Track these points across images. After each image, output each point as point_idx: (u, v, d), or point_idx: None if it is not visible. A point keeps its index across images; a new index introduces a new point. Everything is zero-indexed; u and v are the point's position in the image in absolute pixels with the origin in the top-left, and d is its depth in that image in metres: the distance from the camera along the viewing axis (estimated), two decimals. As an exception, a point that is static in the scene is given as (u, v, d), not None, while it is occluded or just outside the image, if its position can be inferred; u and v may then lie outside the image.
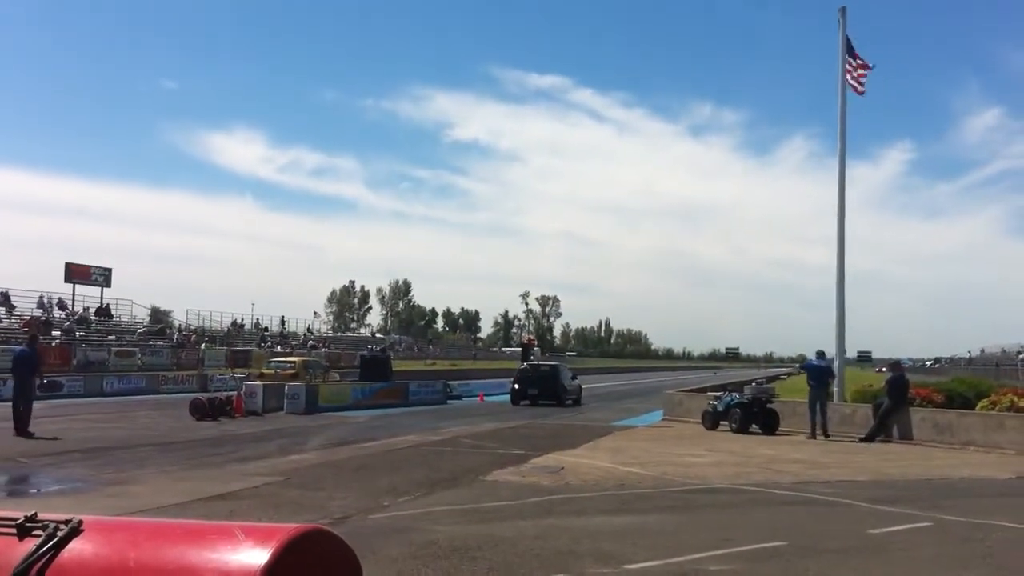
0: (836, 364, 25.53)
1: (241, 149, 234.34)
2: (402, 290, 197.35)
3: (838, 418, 23.13)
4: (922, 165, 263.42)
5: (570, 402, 38.55)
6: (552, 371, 40.00)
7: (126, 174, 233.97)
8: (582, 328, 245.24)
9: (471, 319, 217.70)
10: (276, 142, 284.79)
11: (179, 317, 73.21)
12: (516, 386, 38.45)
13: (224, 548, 1.47)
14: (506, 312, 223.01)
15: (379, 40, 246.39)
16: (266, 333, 74.10)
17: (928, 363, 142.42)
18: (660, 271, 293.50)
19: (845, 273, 25.37)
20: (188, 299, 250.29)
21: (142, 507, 10.93)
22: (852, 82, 25.16)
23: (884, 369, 23.80)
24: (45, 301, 54.89)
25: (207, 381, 44.01)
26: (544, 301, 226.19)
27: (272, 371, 38.19)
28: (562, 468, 15.53)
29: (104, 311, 59.68)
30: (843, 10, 25.38)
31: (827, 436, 22.03)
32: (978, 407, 21.48)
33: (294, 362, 40.06)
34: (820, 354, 24.75)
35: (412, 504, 11.61)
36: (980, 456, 18.58)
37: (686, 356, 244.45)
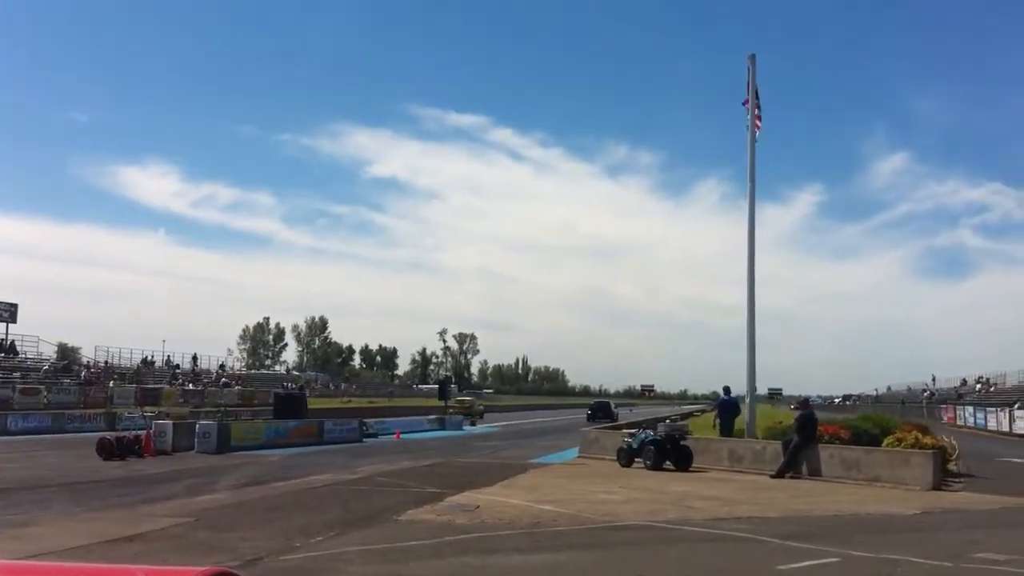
0: (747, 401, 26.27)
1: (154, 183, 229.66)
2: (318, 327, 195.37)
3: (750, 455, 23.53)
4: (831, 207, 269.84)
5: (616, 419, 58.12)
6: (607, 404, 74.19)
7: (34, 208, 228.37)
8: (499, 365, 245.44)
9: (388, 356, 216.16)
10: (191, 176, 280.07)
11: (87, 354, 71.40)
12: (589, 412, 68.48)
13: (128, 592, 1.48)
14: (424, 349, 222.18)
15: (298, 76, 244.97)
16: (177, 370, 72.59)
17: (837, 400, 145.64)
18: (577, 309, 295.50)
19: (756, 312, 25.88)
20: (97, 336, 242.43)
21: (45, 550, 10.63)
22: (758, 125, 25.84)
23: (795, 407, 24.48)
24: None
25: (115, 420, 42.91)
26: (462, 339, 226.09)
27: (457, 404, 69.56)
28: (477, 506, 15.50)
29: (8, 348, 57.91)
30: (752, 57, 26.11)
31: None
32: (884, 444, 21.99)
33: (468, 400, 76.38)
34: (727, 390, 28.74)
35: (325, 544, 11.48)
36: (887, 492, 19.02)
37: (603, 393, 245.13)
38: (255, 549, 11.02)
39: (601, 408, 70.48)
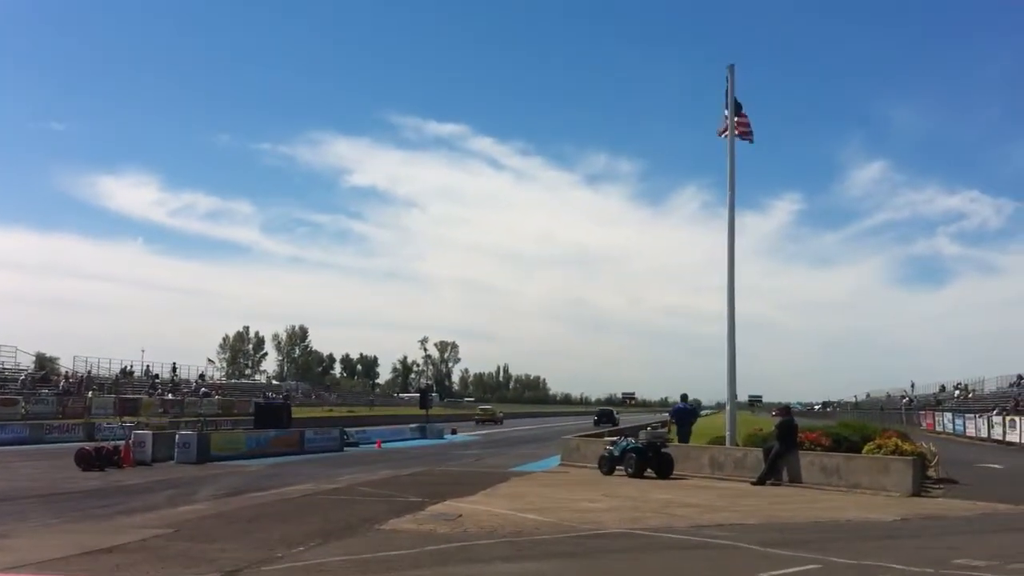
0: (728, 408, 26.30)
1: (132, 192, 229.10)
2: (299, 336, 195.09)
3: (731, 462, 23.59)
4: (810, 215, 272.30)
5: (618, 423, 66.65)
6: (610, 411, 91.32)
7: (12, 217, 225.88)
8: (480, 374, 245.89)
9: (369, 365, 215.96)
10: (169, 185, 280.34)
11: (66, 364, 70.91)
12: (596, 418, 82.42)
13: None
14: (404, 358, 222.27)
15: (276, 84, 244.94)
16: (156, 380, 72.16)
17: (817, 407, 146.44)
18: (558, 317, 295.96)
19: (736, 320, 25.91)
20: (76, 345, 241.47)
21: (22, 562, 10.56)
22: (741, 133, 25.91)
23: (775, 413, 24.74)
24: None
25: (94, 430, 42.62)
26: (443, 347, 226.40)
27: (481, 412, 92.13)
28: (459, 515, 15.46)
29: (-15, 358, 57.41)
30: (731, 67, 26.16)
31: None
32: (864, 450, 22.06)
33: (491, 409, 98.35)
34: (683, 397, 29.69)
35: (306, 555, 11.43)
36: (867, 498, 19.10)
37: (584, 401, 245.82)
38: (235, 560, 10.95)
39: (605, 414, 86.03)
